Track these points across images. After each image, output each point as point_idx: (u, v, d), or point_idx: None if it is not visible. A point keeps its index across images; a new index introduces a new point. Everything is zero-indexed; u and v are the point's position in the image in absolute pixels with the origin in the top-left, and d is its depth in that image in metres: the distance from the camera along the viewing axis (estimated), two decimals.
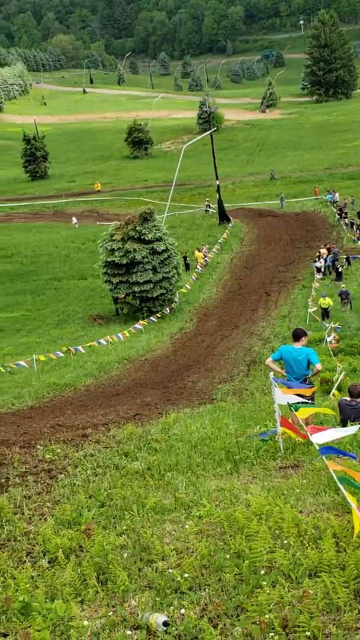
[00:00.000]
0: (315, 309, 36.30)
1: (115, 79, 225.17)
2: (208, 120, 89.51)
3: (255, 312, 39.10)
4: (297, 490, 7.22)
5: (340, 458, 8.15)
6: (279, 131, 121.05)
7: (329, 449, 6.03)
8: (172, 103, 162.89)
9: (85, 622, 5.08)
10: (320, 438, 6.21)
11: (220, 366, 28.72)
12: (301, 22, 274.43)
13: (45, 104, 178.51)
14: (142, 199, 75.74)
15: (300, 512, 6.47)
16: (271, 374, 10.23)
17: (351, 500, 4.80)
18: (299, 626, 4.42)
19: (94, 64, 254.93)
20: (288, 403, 8.91)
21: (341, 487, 5.14)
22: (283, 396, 9.24)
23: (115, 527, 7.29)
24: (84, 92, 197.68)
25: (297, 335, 11.32)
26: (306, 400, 10.24)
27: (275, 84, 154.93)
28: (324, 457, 5.73)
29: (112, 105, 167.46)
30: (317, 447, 6.05)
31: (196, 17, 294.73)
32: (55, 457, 11.68)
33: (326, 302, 35.93)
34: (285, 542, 5.74)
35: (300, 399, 9.45)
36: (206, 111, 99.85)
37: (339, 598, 4.68)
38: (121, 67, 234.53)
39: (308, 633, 4.35)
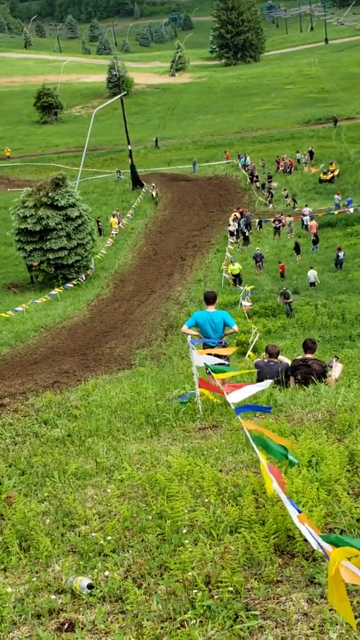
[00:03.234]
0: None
1: (21, 43, 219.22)
2: (118, 84, 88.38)
3: (171, 277, 39.20)
4: (217, 450, 7.32)
5: (256, 417, 8.29)
6: (189, 95, 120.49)
7: (244, 407, 6.11)
8: (81, 67, 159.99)
9: (9, 589, 5.06)
10: (236, 397, 6.28)
11: (137, 332, 28.78)
12: None
13: None
14: (54, 164, 74.49)
15: (220, 470, 6.57)
16: (189, 337, 10.26)
17: (262, 458, 4.88)
18: (221, 582, 4.50)
19: None
20: (205, 364, 8.97)
21: (254, 445, 5.22)
22: (200, 358, 9.30)
23: (37, 494, 7.26)
24: None
25: (213, 298, 11.23)
26: (223, 362, 10.34)
27: (184, 48, 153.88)
28: (239, 417, 5.80)
29: (20, 69, 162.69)
30: (233, 407, 6.12)
31: None
32: None
33: (236, 268, 36.29)
34: (206, 500, 5.82)
35: (217, 360, 9.53)
36: (115, 75, 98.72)
37: (259, 552, 4.78)
38: (27, 31, 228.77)
39: (230, 588, 4.44)
